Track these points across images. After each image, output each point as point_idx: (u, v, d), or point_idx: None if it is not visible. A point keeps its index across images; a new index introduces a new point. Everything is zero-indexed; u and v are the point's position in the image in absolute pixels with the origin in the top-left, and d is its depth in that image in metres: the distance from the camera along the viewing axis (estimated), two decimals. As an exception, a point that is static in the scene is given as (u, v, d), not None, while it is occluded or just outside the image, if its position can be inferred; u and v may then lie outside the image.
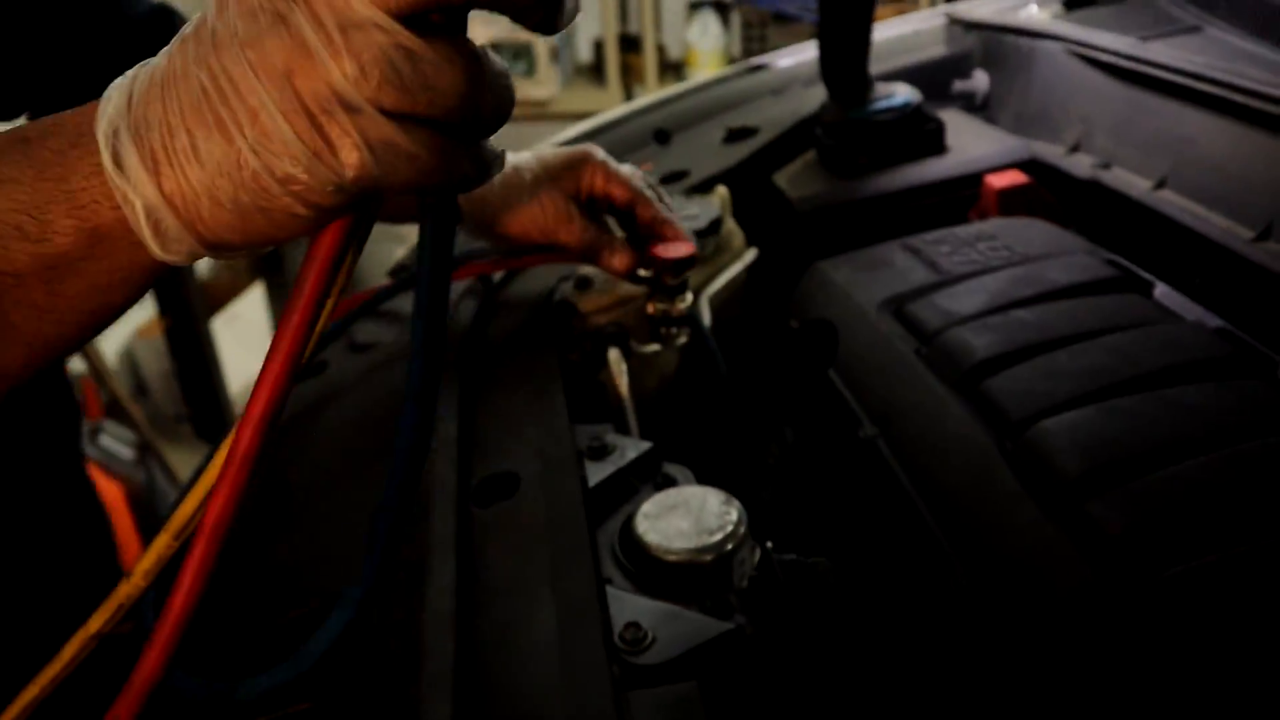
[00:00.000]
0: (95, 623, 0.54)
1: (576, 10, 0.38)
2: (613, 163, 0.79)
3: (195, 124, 0.37)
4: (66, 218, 0.39)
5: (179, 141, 0.37)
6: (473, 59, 0.37)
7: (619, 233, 0.80)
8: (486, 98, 0.37)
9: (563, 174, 0.78)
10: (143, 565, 0.50)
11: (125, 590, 0.52)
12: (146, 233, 0.38)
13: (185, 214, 0.38)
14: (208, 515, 0.41)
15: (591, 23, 3.60)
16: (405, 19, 0.35)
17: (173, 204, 0.38)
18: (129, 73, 0.40)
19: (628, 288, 0.82)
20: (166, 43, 0.38)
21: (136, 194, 0.38)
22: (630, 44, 3.69)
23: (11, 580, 0.71)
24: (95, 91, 0.40)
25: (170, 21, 0.88)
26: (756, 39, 3.54)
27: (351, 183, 0.37)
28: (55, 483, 0.78)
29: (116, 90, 0.39)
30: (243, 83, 0.36)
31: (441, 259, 0.42)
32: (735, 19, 3.59)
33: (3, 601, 0.70)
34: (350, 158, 0.36)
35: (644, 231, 0.79)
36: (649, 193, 0.79)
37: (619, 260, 0.77)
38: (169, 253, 0.39)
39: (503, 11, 0.37)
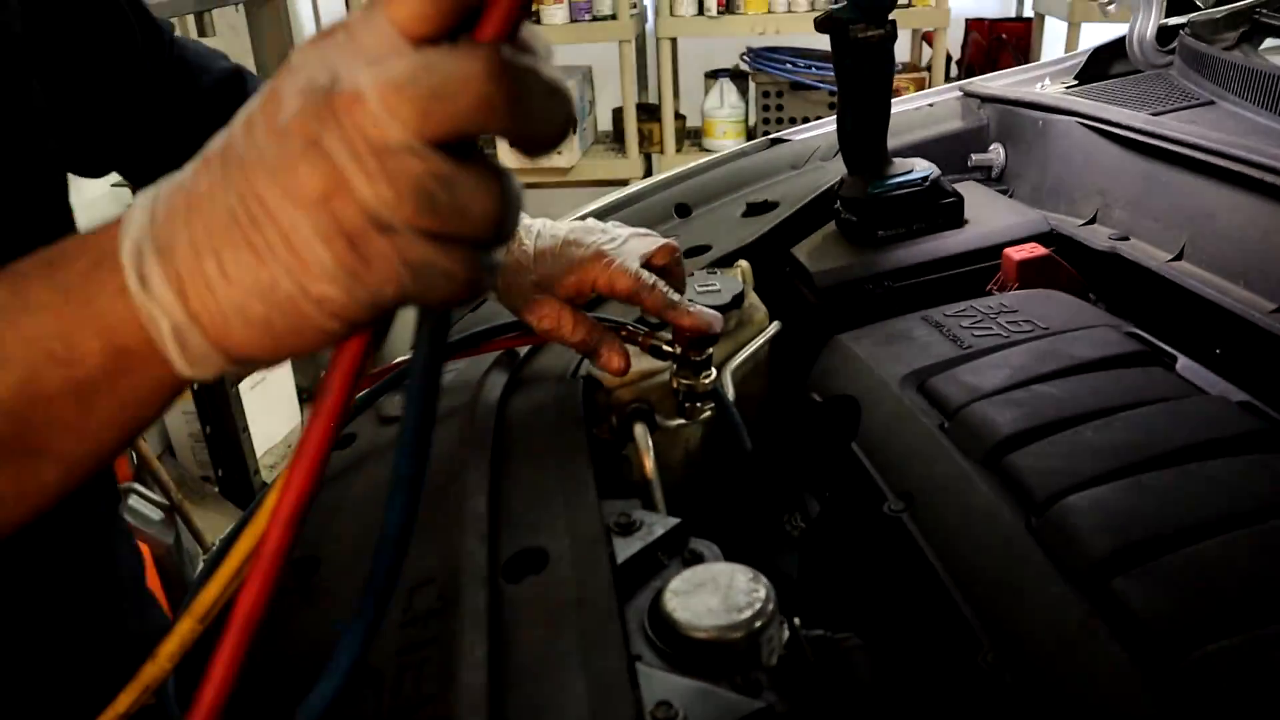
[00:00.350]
0: (121, 704, 0.55)
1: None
2: (619, 259, 0.77)
3: (224, 245, 0.37)
4: (94, 339, 0.39)
5: (207, 263, 0.37)
6: (501, 182, 0.37)
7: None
8: (512, 221, 0.38)
9: (562, 279, 0.77)
10: (167, 649, 0.51)
11: (151, 672, 0.52)
12: (173, 351, 0.39)
13: (213, 333, 0.38)
14: (237, 610, 0.41)
15: (611, 92, 3.68)
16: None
17: (200, 323, 0.38)
18: (149, 191, 0.40)
19: (652, 363, 0.83)
20: (239, 106, 0.40)
21: (163, 314, 0.38)
22: (649, 112, 3.77)
23: (30, 639, 0.72)
24: (173, 153, 0.41)
25: (242, 84, 0.91)
26: (773, 108, 3.60)
27: (389, 300, 0.37)
28: (85, 546, 0.79)
29: (139, 209, 0.39)
30: (275, 207, 0.36)
31: (435, 361, 0.43)
32: (752, 88, 3.66)
33: (20, 657, 0.71)
34: (389, 278, 0.37)
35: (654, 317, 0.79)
36: (650, 281, 0.77)
37: (612, 362, 0.76)
38: (196, 370, 0.40)
39: (520, 147, 0.38)
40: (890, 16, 1.02)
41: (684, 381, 0.81)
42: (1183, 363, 0.78)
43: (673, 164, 3.56)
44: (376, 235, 0.36)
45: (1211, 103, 1.12)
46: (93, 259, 0.40)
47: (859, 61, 1.03)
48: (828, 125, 1.42)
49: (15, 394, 0.40)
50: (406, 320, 0.43)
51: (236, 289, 0.37)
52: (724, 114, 3.66)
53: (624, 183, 3.47)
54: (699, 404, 0.82)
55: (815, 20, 1.04)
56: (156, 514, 2.25)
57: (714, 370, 0.81)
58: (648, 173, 3.68)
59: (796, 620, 0.58)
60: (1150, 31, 1.33)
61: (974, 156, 1.28)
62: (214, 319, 0.38)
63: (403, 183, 0.35)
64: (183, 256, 0.38)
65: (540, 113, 0.37)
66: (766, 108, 3.60)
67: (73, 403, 0.40)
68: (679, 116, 3.76)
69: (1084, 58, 1.40)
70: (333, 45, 0.36)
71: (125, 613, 0.83)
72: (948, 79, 3.66)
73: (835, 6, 1.02)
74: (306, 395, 3.27)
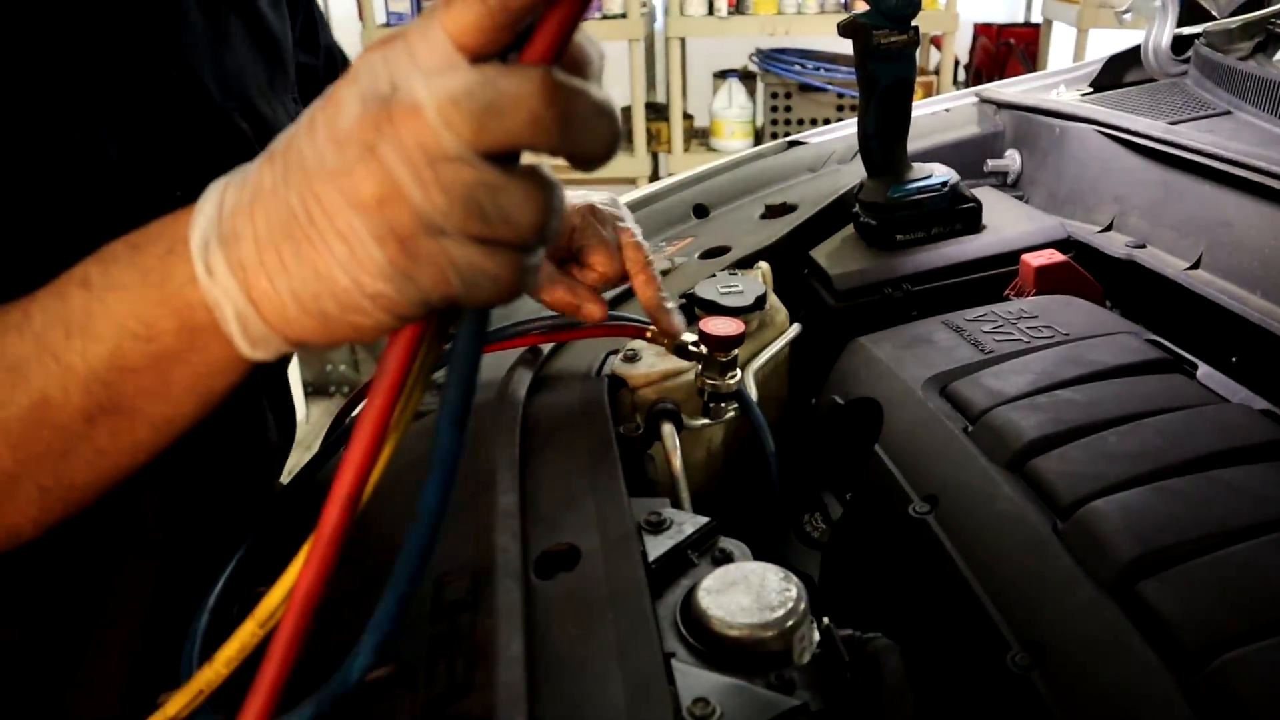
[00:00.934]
0: (173, 707, 0.55)
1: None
2: (635, 232, 0.81)
3: (284, 240, 0.40)
4: (168, 319, 0.43)
5: (268, 255, 0.40)
6: (547, 191, 0.39)
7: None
8: (555, 226, 0.40)
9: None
10: (225, 653, 0.51)
11: (206, 676, 0.53)
12: (236, 334, 0.42)
13: (272, 318, 0.41)
14: (296, 590, 0.42)
15: (620, 90, 3.68)
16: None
17: (260, 310, 0.41)
18: (220, 182, 0.43)
19: (677, 363, 0.84)
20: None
21: (228, 300, 0.41)
22: (657, 111, 3.77)
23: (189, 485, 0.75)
24: None
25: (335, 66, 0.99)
26: (782, 109, 3.61)
27: (438, 299, 0.40)
28: (238, 415, 0.82)
29: (208, 202, 0.43)
30: (333, 208, 0.38)
31: (476, 346, 0.44)
32: (760, 89, 3.67)
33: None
34: (438, 278, 0.39)
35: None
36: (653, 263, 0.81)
37: (594, 312, 0.79)
38: (257, 351, 0.43)
39: (570, 162, 0.40)
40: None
41: (709, 382, 0.81)
42: (1203, 370, 0.79)
43: (680, 163, 3.57)
44: (427, 238, 0.38)
45: (1228, 112, 1.13)
46: (168, 245, 0.43)
47: (881, 67, 1.03)
48: (844, 128, 1.43)
49: (105, 365, 0.45)
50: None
51: (295, 279, 0.40)
52: (732, 114, 3.66)
53: (631, 181, 3.48)
54: (723, 404, 0.83)
55: (838, 25, 1.05)
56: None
57: (739, 371, 0.82)
58: (655, 172, 3.69)
59: (827, 620, 0.59)
60: (1165, 40, 1.34)
61: (990, 162, 1.29)
62: (273, 305, 0.41)
63: (454, 190, 0.37)
64: (246, 248, 0.40)
65: (588, 132, 0.39)
66: (775, 109, 3.61)
67: (153, 374, 0.45)
68: (687, 116, 3.76)
69: (1098, 65, 1.41)
70: (392, 54, 0.38)
71: (270, 471, 0.90)
72: (955, 83, 3.67)
73: (858, 12, 1.03)
74: (311, 389, 3.28)
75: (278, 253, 0.40)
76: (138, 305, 0.44)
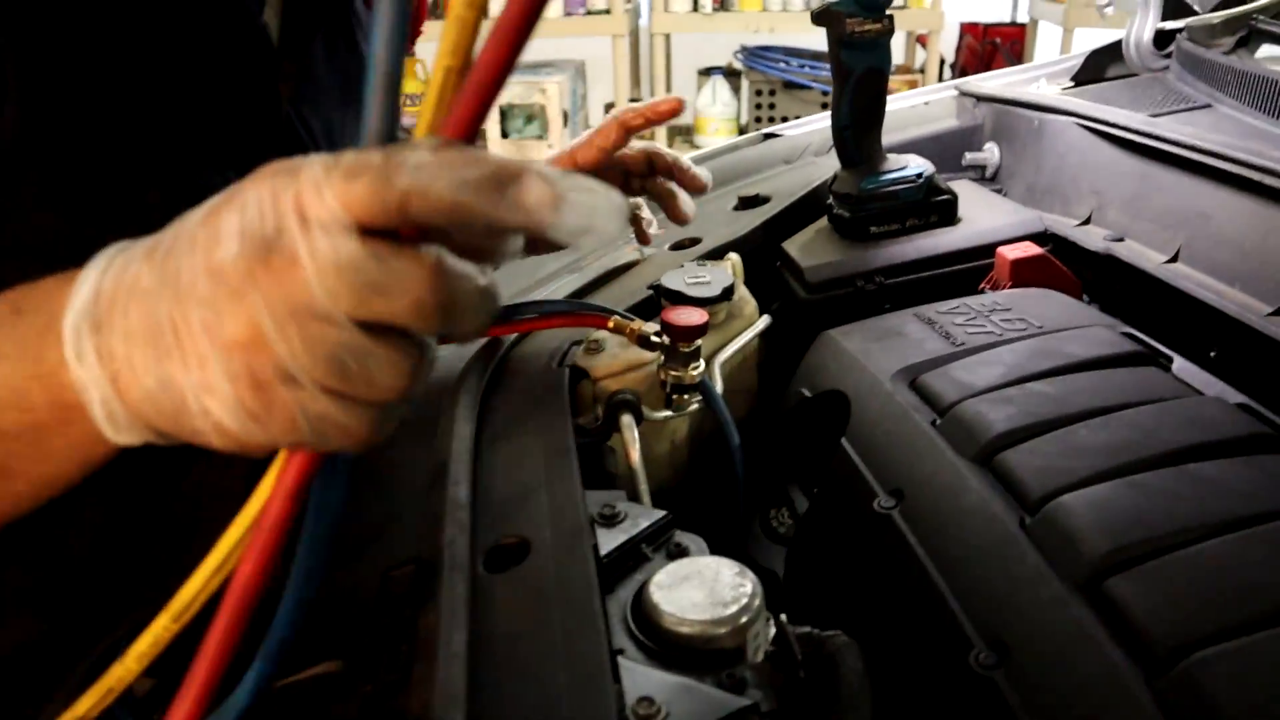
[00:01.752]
0: (82, 706, 0.53)
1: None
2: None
3: (149, 345, 0.39)
4: (42, 393, 0.43)
5: (134, 352, 0.40)
6: (414, 358, 0.39)
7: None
8: (419, 387, 0.39)
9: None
10: (138, 648, 0.49)
11: (118, 673, 0.51)
12: (101, 418, 0.42)
13: (134, 409, 0.41)
14: (234, 584, 0.41)
15: (603, 87, 3.67)
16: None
17: (125, 400, 0.41)
18: (102, 258, 0.42)
19: (640, 354, 0.82)
20: None
21: (95, 386, 0.41)
22: (641, 109, 3.74)
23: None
24: None
25: None
26: (766, 106, 3.60)
27: (284, 443, 0.39)
28: None
29: (89, 280, 0.42)
30: (196, 338, 0.38)
31: None
32: (745, 86, 3.65)
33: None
34: (286, 425, 0.38)
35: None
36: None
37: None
38: (121, 435, 0.42)
39: (442, 339, 0.40)
40: (887, 13, 1.01)
41: (672, 373, 0.79)
42: (1179, 364, 0.77)
43: (664, 161, 3.55)
44: (282, 387, 0.38)
45: (1208, 106, 1.12)
46: (45, 320, 0.43)
47: (854, 55, 1.01)
48: (821, 121, 1.41)
49: None
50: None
51: (153, 383, 0.40)
52: (716, 111, 3.65)
53: (614, 178, 3.45)
54: (686, 396, 0.81)
55: (812, 13, 1.03)
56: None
57: (702, 363, 0.80)
58: (638, 169, 3.66)
59: (783, 616, 0.57)
60: (1147, 35, 1.32)
61: (968, 155, 1.27)
62: (134, 399, 0.41)
63: (318, 349, 0.37)
64: (116, 340, 0.40)
65: (466, 319, 0.39)
66: (759, 106, 3.59)
67: (30, 441, 0.45)
68: (671, 113, 3.74)
69: (1080, 60, 1.39)
70: (282, 195, 0.37)
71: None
72: (941, 82, 3.66)
73: (832, 0, 1.01)
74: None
75: (143, 353, 0.40)
76: (13, 377, 0.43)
